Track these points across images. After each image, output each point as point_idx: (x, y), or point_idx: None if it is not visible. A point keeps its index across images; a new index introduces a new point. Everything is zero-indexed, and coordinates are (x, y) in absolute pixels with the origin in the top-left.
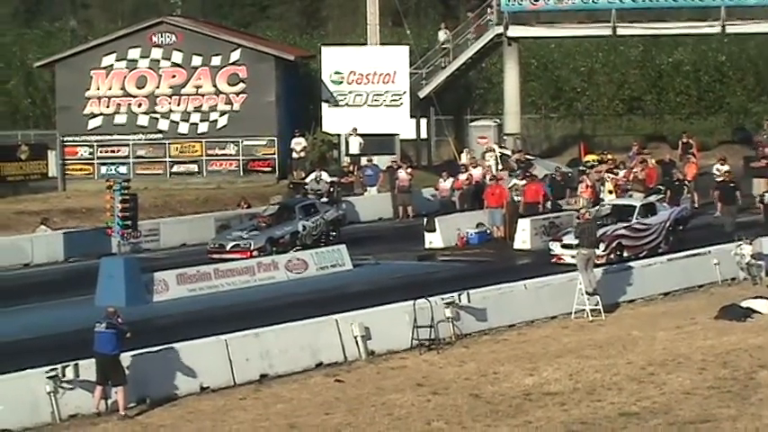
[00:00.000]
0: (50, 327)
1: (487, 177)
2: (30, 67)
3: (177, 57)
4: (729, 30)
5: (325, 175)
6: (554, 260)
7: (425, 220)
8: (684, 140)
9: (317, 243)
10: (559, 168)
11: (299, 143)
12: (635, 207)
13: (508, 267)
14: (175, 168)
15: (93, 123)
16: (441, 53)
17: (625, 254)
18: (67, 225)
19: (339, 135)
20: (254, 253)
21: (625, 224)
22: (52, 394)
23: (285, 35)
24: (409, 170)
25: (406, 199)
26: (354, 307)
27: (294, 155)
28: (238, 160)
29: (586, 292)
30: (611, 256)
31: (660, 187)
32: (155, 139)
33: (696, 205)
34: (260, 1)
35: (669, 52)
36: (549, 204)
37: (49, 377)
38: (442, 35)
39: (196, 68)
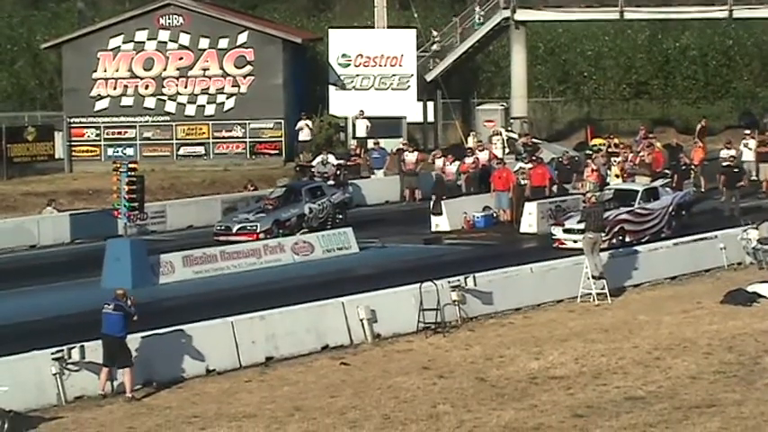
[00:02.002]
0: (56, 308)
1: (494, 162)
2: (37, 48)
3: (184, 39)
4: (736, 14)
5: (331, 158)
6: (556, 245)
7: (432, 203)
8: (704, 124)
9: (324, 226)
10: (567, 152)
11: (303, 126)
12: (637, 192)
13: (514, 251)
14: (182, 150)
15: (99, 105)
16: (430, 54)
17: (627, 238)
18: (74, 207)
19: (346, 118)
20: (261, 235)
21: (627, 209)
22: (58, 376)
23: (292, 18)
24: (416, 153)
25: (413, 182)
26: (360, 290)
27: (301, 136)
28: (245, 143)
29: (592, 276)
30: (614, 240)
31: (667, 171)
32: (162, 121)
33: (703, 190)
34: None
35: (676, 37)
36: (555, 188)
37: (55, 359)
38: (434, 34)
39: (203, 51)
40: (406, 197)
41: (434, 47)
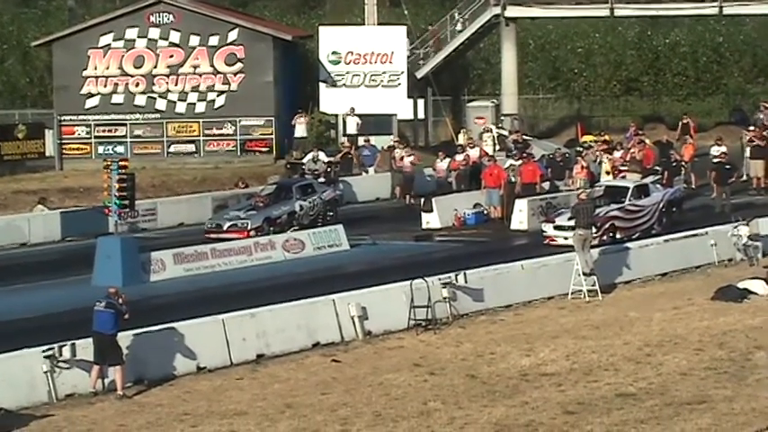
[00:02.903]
0: (47, 306)
1: (485, 159)
2: (27, 46)
3: (175, 36)
4: (727, 11)
5: (322, 155)
6: (546, 241)
7: (422, 200)
8: (685, 121)
9: (314, 223)
10: (559, 149)
11: (301, 122)
12: (628, 188)
13: (505, 248)
14: (173, 148)
15: (90, 103)
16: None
17: (618, 235)
18: (65, 204)
19: (337, 115)
20: (251, 233)
21: (618, 205)
22: (49, 373)
23: (282, 15)
24: (406, 150)
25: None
26: (351, 287)
27: (297, 133)
28: (236, 140)
29: (583, 273)
30: (604, 237)
31: (657, 168)
32: (152, 119)
33: (693, 186)
34: None
35: (666, 33)
36: (546, 185)
37: (46, 356)
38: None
39: (194, 48)
40: (396, 194)
41: (408, 58)
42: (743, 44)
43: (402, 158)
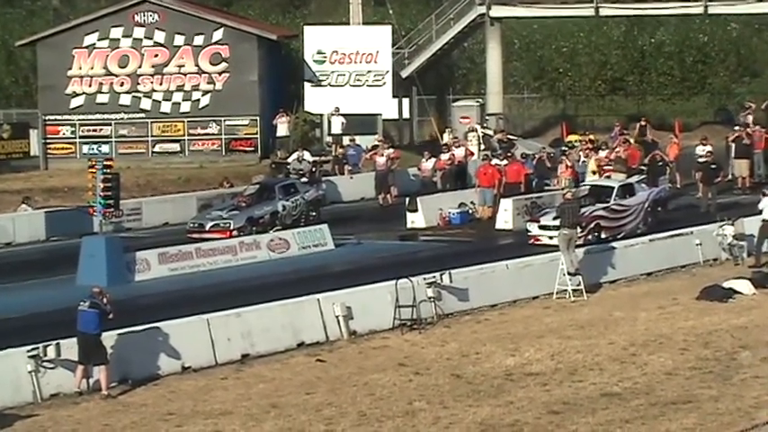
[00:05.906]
0: (32, 306)
1: (470, 158)
2: (12, 45)
3: (159, 36)
4: (712, 10)
5: (307, 155)
6: (531, 241)
7: (407, 199)
8: (643, 123)
9: (297, 223)
10: (545, 149)
11: (282, 122)
12: (613, 188)
13: (490, 247)
14: (158, 148)
15: (75, 102)
16: (404, 58)
17: (603, 235)
18: (49, 204)
19: (321, 115)
20: (234, 233)
21: (603, 205)
22: (33, 373)
23: (267, 14)
24: (391, 150)
25: (391, 178)
26: (336, 287)
27: (279, 132)
28: (221, 140)
29: (568, 273)
30: (589, 237)
31: (642, 168)
32: (137, 119)
33: (679, 186)
34: None
35: (652, 33)
36: (535, 183)
37: (31, 356)
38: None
39: (178, 48)
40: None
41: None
42: (728, 44)
43: (376, 155)
